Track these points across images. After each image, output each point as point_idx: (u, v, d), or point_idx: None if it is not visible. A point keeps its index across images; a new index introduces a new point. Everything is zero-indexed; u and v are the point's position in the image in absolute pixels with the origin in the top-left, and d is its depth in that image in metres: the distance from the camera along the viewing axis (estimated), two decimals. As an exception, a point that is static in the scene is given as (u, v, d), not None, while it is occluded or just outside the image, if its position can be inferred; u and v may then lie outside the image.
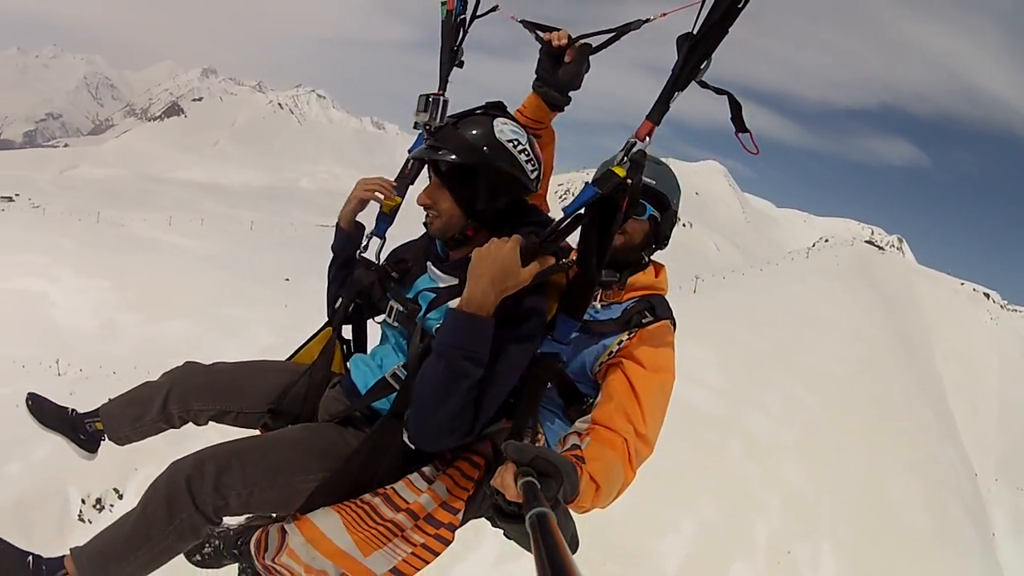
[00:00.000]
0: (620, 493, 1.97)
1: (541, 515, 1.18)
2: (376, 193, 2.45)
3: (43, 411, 2.47)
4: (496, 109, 2.05)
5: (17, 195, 78.64)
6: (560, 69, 2.35)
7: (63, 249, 45.59)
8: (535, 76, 2.42)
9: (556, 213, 2.06)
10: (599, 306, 2.33)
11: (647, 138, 1.83)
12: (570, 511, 1.99)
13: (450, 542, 2.03)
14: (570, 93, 2.41)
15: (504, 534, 1.74)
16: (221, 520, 1.99)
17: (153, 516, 1.90)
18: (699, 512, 16.23)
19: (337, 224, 2.49)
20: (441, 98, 2.43)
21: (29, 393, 2.52)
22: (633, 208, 1.95)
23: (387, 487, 1.99)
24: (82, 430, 2.46)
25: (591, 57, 2.34)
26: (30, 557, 2.03)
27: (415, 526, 1.95)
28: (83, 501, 14.89)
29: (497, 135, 1.95)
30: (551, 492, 1.47)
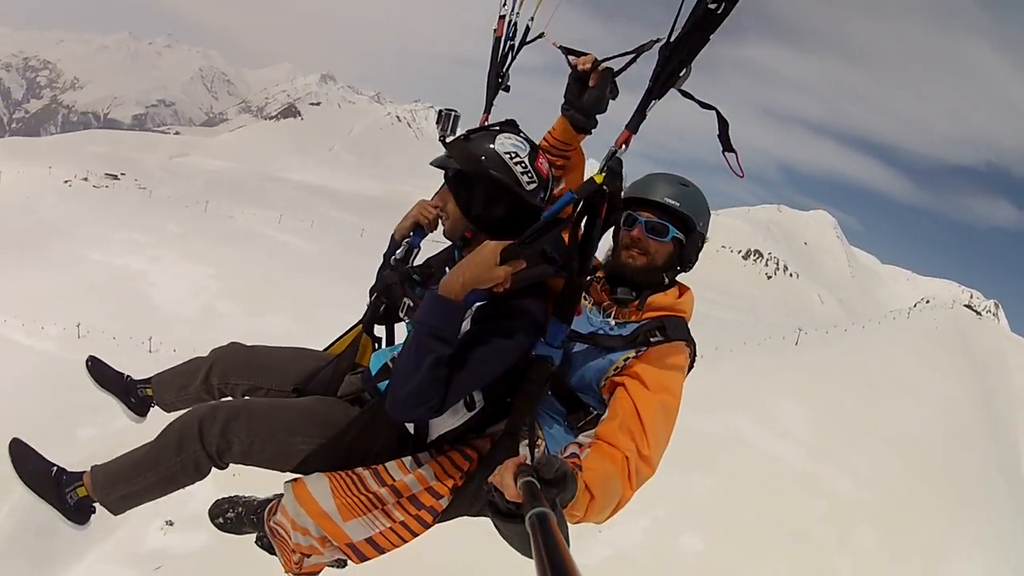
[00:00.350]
0: (617, 510, 1.94)
1: (542, 515, 1.17)
2: (425, 218, 2.61)
3: (101, 373, 2.77)
4: (507, 126, 2.17)
5: (123, 174, 77.84)
6: (585, 93, 2.43)
7: (168, 232, 46.10)
8: (563, 99, 2.50)
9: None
10: (614, 322, 2.29)
11: (623, 146, 1.86)
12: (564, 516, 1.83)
13: (429, 525, 2.14)
14: (598, 117, 2.49)
15: (500, 534, 1.68)
16: (224, 463, 2.19)
17: (164, 446, 2.17)
18: (771, 567, 16.29)
19: (392, 236, 2.66)
20: (452, 113, 2.48)
21: (89, 356, 2.83)
22: (613, 215, 1.97)
23: (379, 464, 2.14)
24: (134, 394, 2.76)
25: (622, 82, 2.39)
26: (55, 467, 2.34)
27: (397, 503, 2.08)
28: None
29: (497, 147, 2.07)
30: (550, 495, 1.47)
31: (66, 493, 2.30)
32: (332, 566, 2.40)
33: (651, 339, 2.19)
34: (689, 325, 2.32)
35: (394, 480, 2.11)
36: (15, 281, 37.08)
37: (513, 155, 2.08)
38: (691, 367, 2.28)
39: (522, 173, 2.09)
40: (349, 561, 2.23)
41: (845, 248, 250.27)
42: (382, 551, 2.13)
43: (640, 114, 1.84)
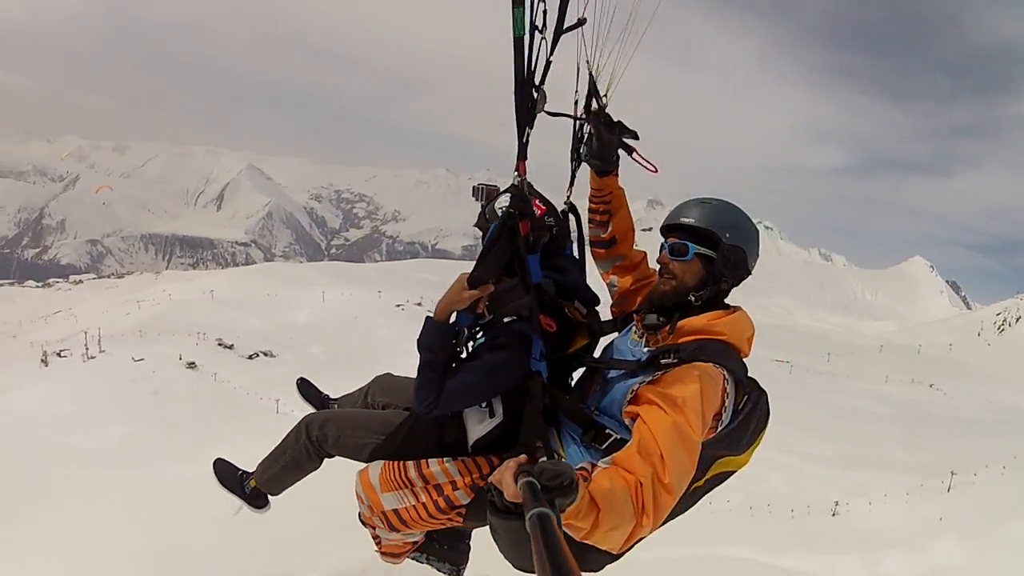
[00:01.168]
0: (631, 540, 1.85)
1: (543, 515, 1.17)
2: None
3: (307, 391, 3.66)
4: (509, 188, 2.50)
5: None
6: (592, 141, 2.64)
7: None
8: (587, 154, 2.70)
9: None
10: (645, 349, 2.29)
11: (515, 173, 2.25)
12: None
13: (445, 512, 2.53)
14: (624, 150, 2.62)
15: (493, 536, 1.67)
16: (325, 451, 2.86)
17: (289, 439, 2.96)
18: None
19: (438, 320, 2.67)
20: (483, 187, 2.77)
21: (300, 377, 3.73)
22: (536, 231, 2.36)
23: (424, 459, 2.59)
24: (327, 407, 3.57)
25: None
26: (240, 471, 3.27)
27: (424, 488, 2.53)
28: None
29: (496, 206, 2.59)
30: (549, 496, 1.45)
31: (244, 485, 3.20)
32: (443, 572, 3.05)
33: (662, 361, 2.14)
34: (736, 346, 2.22)
35: (427, 470, 2.55)
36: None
37: (501, 210, 2.46)
38: (726, 392, 2.09)
39: None
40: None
41: None
42: (404, 524, 2.58)
43: (521, 142, 2.19)
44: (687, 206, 2.34)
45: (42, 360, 28.59)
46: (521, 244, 2.30)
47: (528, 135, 2.18)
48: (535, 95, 2.14)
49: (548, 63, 2.13)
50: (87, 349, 28.89)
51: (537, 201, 2.61)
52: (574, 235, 2.87)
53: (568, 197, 2.85)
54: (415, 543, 2.91)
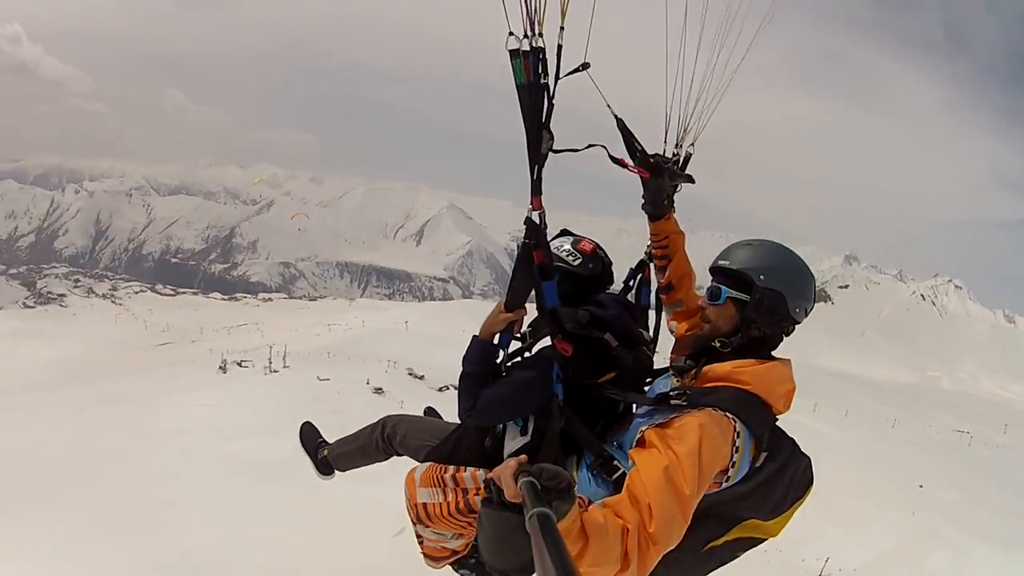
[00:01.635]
0: None
1: (545, 515, 1.15)
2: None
3: (307, 433, 4.01)
4: (559, 236, 2.95)
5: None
6: (646, 187, 2.72)
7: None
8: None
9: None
10: (675, 395, 2.12)
11: (530, 207, 2.31)
12: None
13: (465, 516, 2.63)
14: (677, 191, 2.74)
15: (481, 535, 1.55)
16: (392, 447, 3.25)
17: (366, 429, 3.41)
18: None
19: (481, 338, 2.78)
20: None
21: (306, 422, 4.05)
22: (547, 259, 2.38)
23: (464, 466, 2.74)
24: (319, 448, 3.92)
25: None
26: (320, 439, 3.81)
27: (454, 489, 2.69)
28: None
29: (552, 248, 2.71)
30: (548, 497, 1.42)
31: (319, 452, 3.71)
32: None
33: (672, 401, 2.04)
34: (764, 399, 2.04)
35: (460, 475, 2.70)
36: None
37: (558, 247, 2.87)
38: (736, 446, 1.93)
39: (568, 255, 2.86)
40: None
41: None
42: (428, 518, 2.73)
43: (535, 179, 2.26)
44: (730, 248, 2.27)
45: (220, 367, 28.89)
46: (535, 271, 2.41)
47: (540, 172, 2.27)
48: (544, 135, 2.20)
49: (551, 106, 2.18)
50: (270, 363, 28.94)
51: (584, 243, 2.93)
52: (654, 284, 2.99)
53: (649, 247, 2.94)
54: (454, 551, 2.94)
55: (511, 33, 2.07)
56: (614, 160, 2.49)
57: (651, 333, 3.02)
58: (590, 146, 2.38)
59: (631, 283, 3.16)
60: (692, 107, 2.77)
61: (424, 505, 2.74)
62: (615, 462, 2.25)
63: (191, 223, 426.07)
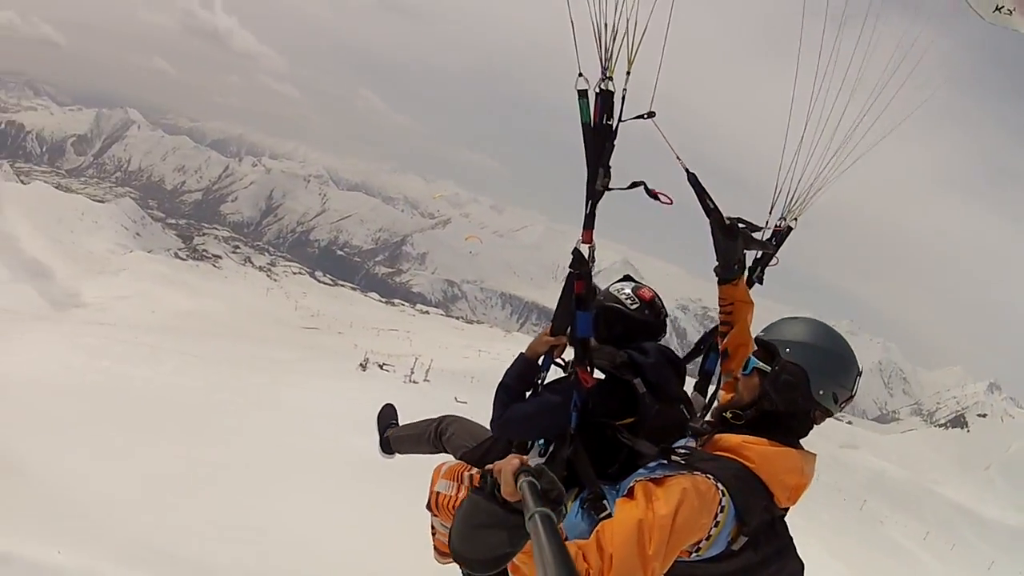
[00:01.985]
0: None
1: (546, 516, 1.13)
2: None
3: (385, 413, 4.45)
4: (622, 280, 3.07)
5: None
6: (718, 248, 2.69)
7: (820, 521, 43.16)
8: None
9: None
10: (679, 454, 2.06)
11: (579, 240, 2.43)
12: None
13: None
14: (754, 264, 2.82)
15: (457, 510, 1.55)
16: (440, 442, 3.52)
17: (424, 422, 3.73)
18: None
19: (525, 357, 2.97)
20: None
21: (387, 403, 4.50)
22: (587, 290, 2.50)
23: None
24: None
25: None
26: (394, 420, 4.24)
27: (468, 487, 2.71)
28: None
29: (611, 289, 2.99)
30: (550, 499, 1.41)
31: (386, 431, 4.12)
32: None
33: (672, 457, 1.95)
34: (765, 482, 1.92)
35: (478, 476, 2.65)
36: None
37: (619, 289, 2.97)
38: (717, 520, 1.82)
39: (626, 298, 2.92)
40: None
41: None
42: (437, 507, 2.90)
43: (589, 212, 2.37)
44: (776, 321, 2.21)
45: (361, 364, 28.54)
46: (572, 299, 2.52)
47: (594, 208, 2.37)
48: (600, 172, 2.30)
49: (612, 147, 2.28)
50: (412, 372, 28.35)
51: (644, 290, 3.00)
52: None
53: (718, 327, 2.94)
54: None
55: (580, 74, 2.19)
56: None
57: (706, 399, 2.99)
58: (633, 184, 2.39)
59: (701, 347, 3.13)
60: (810, 172, 2.71)
61: (438, 494, 2.91)
62: (604, 501, 2.24)
63: (364, 222, 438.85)
